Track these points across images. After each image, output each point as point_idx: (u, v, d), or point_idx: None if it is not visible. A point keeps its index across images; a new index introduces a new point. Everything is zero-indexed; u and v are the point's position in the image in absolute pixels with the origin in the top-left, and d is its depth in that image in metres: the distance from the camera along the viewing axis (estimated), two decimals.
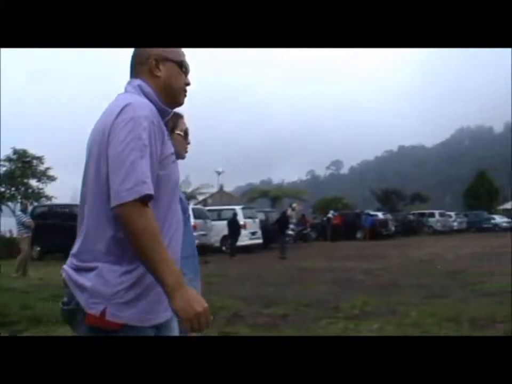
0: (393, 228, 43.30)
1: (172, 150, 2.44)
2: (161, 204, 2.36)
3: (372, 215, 43.17)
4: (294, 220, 35.96)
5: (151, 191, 2.18)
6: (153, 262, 2.15)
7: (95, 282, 2.24)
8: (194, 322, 2.16)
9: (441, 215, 52.87)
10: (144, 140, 2.20)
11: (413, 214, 53.10)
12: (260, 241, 29.54)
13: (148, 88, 2.46)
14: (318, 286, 13.21)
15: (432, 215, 52.60)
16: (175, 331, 2.54)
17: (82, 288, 2.26)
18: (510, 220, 56.87)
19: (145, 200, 2.16)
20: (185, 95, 2.65)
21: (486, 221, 56.15)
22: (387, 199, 70.58)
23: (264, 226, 30.12)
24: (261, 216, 31.98)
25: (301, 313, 9.47)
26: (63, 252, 23.95)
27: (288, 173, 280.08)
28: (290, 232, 31.93)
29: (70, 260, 2.39)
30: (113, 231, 2.25)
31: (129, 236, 2.15)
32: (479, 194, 70.15)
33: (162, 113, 2.47)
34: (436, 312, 9.00)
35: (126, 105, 2.27)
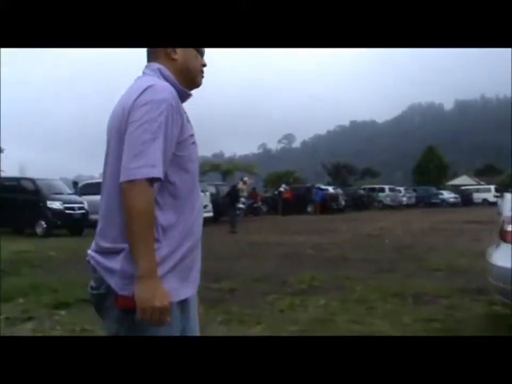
0: (343, 203, 43.80)
1: (191, 131, 2.47)
2: (184, 185, 2.41)
3: (322, 190, 43.59)
4: (245, 194, 36.01)
5: (160, 175, 2.22)
6: (139, 242, 2.17)
7: (124, 263, 2.26)
8: (146, 314, 2.18)
9: (391, 190, 53.76)
10: (159, 123, 2.23)
11: (364, 188, 53.81)
12: (210, 214, 29.47)
13: (167, 72, 2.51)
14: (268, 261, 13.23)
15: (382, 190, 53.43)
16: (195, 307, 2.58)
17: (111, 271, 2.28)
18: (457, 195, 58.12)
19: (151, 182, 2.21)
20: (202, 76, 2.70)
21: (434, 196, 57.40)
22: (338, 174, 71.33)
23: (214, 199, 30.09)
24: (212, 189, 31.96)
25: (249, 288, 9.60)
26: (10, 226, 23.56)
27: (240, 146, 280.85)
28: (241, 205, 31.99)
29: (94, 244, 2.43)
30: None
31: (126, 211, 2.19)
32: (428, 170, 71.44)
33: (181, 95, 2.50)
34: (382, 287, 9.09)
35: (147, 87, 2.31)
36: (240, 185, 30.82)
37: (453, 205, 54.74)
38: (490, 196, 58.97)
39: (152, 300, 2.16)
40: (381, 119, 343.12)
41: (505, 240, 5.39)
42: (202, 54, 2.67)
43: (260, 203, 40.20)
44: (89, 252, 2.43)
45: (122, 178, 2.18)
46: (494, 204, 51.39)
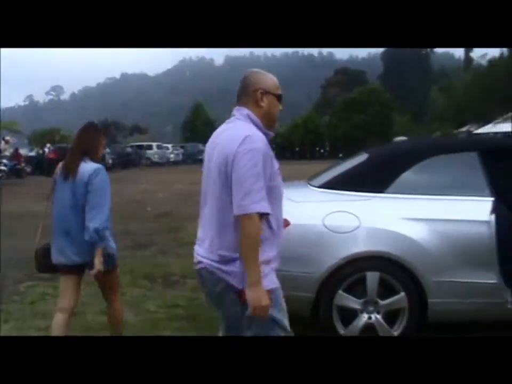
0: (110, 161, 43.12)
1: (277, 165, 3.14)
2: (276, 205, 3.10)
3: None
4: (7, 154, 34.34)
5: (267, 210, 2.92)
6: (251, 260, 2.90)
7: (242, 267, 2.95)
8: (257, 311, 2.91)
9: (158, 147, 53.88)
10: (259, 168, 2.89)
11: (131, 146, 53.39)
12: None
13: (255, 118, 3.10)
14: (30, 237, 11.53)
15: (150, 147, 53.33)
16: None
17: (233, 273, 2.99)
18: None
19: (260, 215, 2.90)
20: (276, 121, 3.28)
21: (201, 153, 58.35)
22: (106, 131, 69.97)
23: None
24: None
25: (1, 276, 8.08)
26: None
27: (5, 98, 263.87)
28: (2, 167, 30.51)
29: (208, 255, 3.12)
30: None
31: (243, 236, 2.89)
32: (196, 127, 72.23)
33: (265, 136, 3.09)
34: (135, 267, 8.60)
35: (246, 137, 2.92)
36: (2, 145, 29.34)
37: None
38: None
39: (261, 300, 2.90)
40: (151, 72, 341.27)
41: None
42: (281, 102, 3.22)
43: (23, 164, 38.26)
44: (203, 260, 3.13)
45: (238, 211, 2.88)
46: None
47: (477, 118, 59.87)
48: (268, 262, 3.06)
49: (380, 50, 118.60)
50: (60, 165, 4.57)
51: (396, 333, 4.90)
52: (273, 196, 3.09)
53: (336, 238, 4.97)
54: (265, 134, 3.12)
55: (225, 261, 3.05)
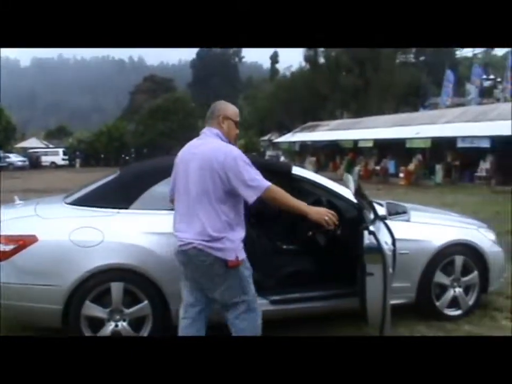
0: None
1: None
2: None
3: None
4: None
5: (269, 184, 3.79)
6: (292, 206, 3.90)
7: (227, 244, 3.87)
8: (327, 219, 3.89)
9: None
10: (248, 162, 3.83)
11: None
12: None
13: (222, 136, 4.09)
14: None
15: None
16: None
17: (219, 249, 3.84)
18: (25, 158, 58.06)
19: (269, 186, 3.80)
20: (236, 141, 4.26)
21: (1, 159, 56.06)
22: None
23: None
24: None
25: None
26: None
27: None
28: None
29: (197, 237, 3.89)
30: (225, 216, 3.88)
31: (277, 202, 3.87)
32: None
33: None
34: None
35: (228, 149, 3.88)
36: None
37: (21, 168, 54.42)
38: (59, 159, 60.73)
39: (321, 212, 3.94)
40: None
41: None
42: (237, 127, 4.22)
43: None
44: (193, 241, 3.88)
45: (255, 194, 3.76)
46: (61, 167, 52.96)
47: (278, 127, 63.03)
48: (240, 239, 3.96)
49: (190, 57, 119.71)
50: None
51: None
52: None
53: (81, 252, 5.17)
54: None
55: (214, 239, 3.86)
